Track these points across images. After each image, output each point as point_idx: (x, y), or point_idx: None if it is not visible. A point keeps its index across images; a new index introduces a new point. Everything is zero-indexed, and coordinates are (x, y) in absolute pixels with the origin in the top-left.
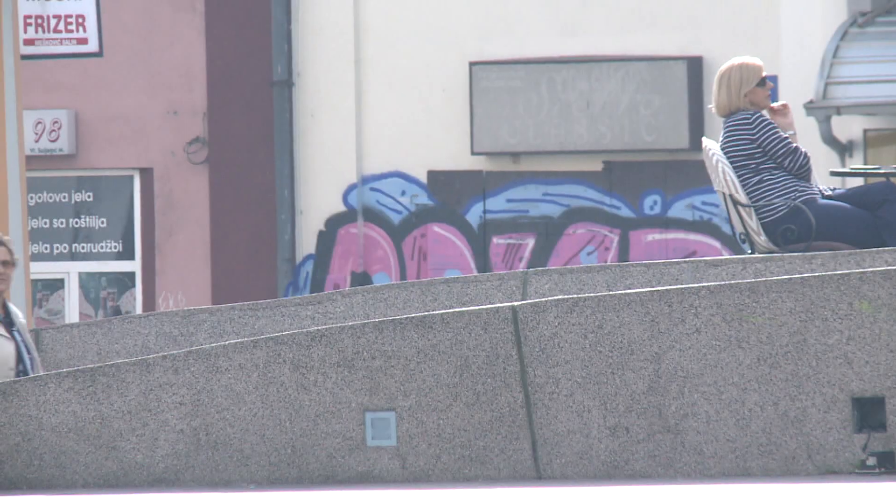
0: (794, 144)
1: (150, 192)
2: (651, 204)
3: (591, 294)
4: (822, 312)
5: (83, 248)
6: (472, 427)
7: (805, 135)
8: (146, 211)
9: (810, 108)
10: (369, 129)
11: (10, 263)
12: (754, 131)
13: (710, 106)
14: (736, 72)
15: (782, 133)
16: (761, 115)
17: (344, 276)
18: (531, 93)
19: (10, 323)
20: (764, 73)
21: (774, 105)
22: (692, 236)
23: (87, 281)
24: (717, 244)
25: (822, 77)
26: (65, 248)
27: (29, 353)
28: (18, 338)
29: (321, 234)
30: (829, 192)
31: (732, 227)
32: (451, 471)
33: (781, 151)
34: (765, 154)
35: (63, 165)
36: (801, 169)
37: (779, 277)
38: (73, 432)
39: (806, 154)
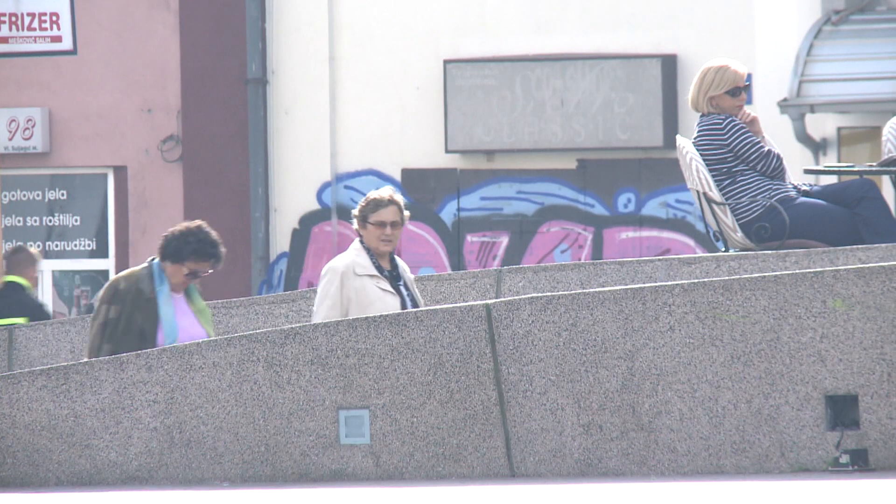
0: (766, 148)
1: (123, 190)
2: (625, 202)
3: (565, 292)
4: (796, 310)
5: (57, 245)
6: (445, 425)
7: (779, 133)
8: (120, 209)
9: (784, 106)
10: (343, 127)
11: (398, 224)
12: (726, 137)
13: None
14: (711, 74)
15: (754, 137)
16: (733, 120)
17: (318, 273)
18: (505, 91)
19: (396, 277)
20: (742, 84)
21: (745, 116)
22: (666, 234)
23: (60, 279)
24: (690, 242)
25: (797, 75)
26: (38, 245)
27: (416, 307)
28: (405, 292)
29: (295, 232)
30: (807, 189)
31: (706, 225)
32: (424, 469)
33: (754, 156)
34: (737, 158)
35: (37, 163)
36: (774, 171)
37: (752, 275)
38: (46, 430)
39: (778, 156)
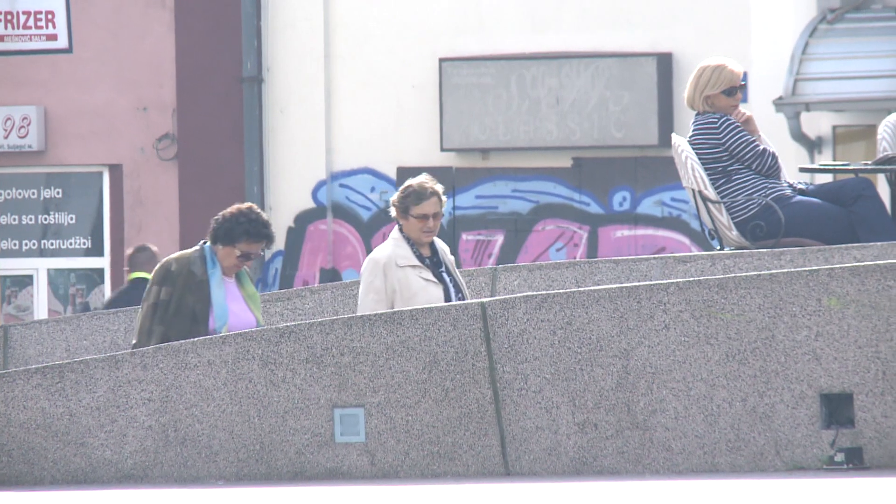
0: (762, 147)
1: (119, 188)
2: (620, 200)
3: (560, 290)
4: (791, 308)
5: (52, 244)
6: (440, 423)
7: (774, 131)
8: (115, 207)
9: (779, 104)
10: (339, 125)
11: (440, 214)
12: (721, 135)
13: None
14: (708, 73)
15: (749, 136)
16: (728, 119)
17: (313, 272)
18: (501, 89)
19: (437, 263)
20: (738, 84)
21: (739, 116)
22: (661, 232)
23: (55, 277)
24: (686, 240)
25: (792, 73)
26: (34, 244)
27: (459, 293)
28: (447, 279)
29: (290, 231)
30: (802, 187)
31: (702, 224)
32: (419, 467)
33: (749, 155)
34: (732, 157)
35: (32, 162)
36: (769, 170)
37: (747, 274)
38: (41, 429)
39: (774, 155)
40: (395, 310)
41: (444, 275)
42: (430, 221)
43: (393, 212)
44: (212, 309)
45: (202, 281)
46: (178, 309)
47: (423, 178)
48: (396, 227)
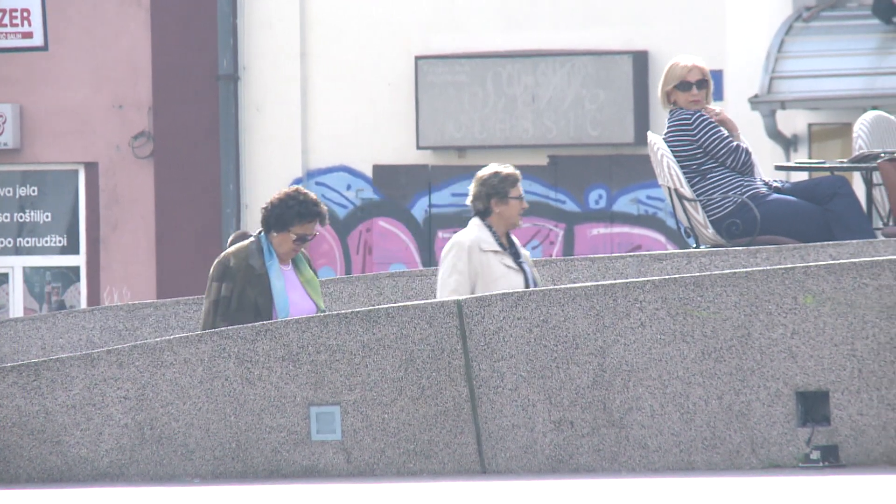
0: (735, 143)
1: (94, 186)
2: (596, 198)
3: (536, 288)
4: (767, 306)
5: (27, 242)
6: (416, 421)
7: (750, 129)
8: (91, 205)
9: (755, 102)
10: (315, 123)
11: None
12: (694, 132)
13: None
14: (667, 69)
15: (723, 131)
16: (701, 115)
17: None
18: (477, 87)
19: (516, 254)
20: (692, 79)
21: (712, 114)
22: (637, 230)
23: (31, 275)
24: (661, 238)
25: (767, 71)
26: (9, 242)
27: (535, 286)
28: (527, 269)
29: None
30: (778, 185)
31: (678, 222)
32: (395, 465)
33: (723, 151)
34: (706, 154)
35: (8, 160)
36: (743, 166)
37: (723, 272)
38: (16, 427)
39: (747, 150)
40: (370, 308)
41: (523, 265)
42: (524, 202)
43: (478, 204)
44: (273, 300)
45: (261, 274)
46: (240, 304)
47: (496, 165)
48: (476, 217)
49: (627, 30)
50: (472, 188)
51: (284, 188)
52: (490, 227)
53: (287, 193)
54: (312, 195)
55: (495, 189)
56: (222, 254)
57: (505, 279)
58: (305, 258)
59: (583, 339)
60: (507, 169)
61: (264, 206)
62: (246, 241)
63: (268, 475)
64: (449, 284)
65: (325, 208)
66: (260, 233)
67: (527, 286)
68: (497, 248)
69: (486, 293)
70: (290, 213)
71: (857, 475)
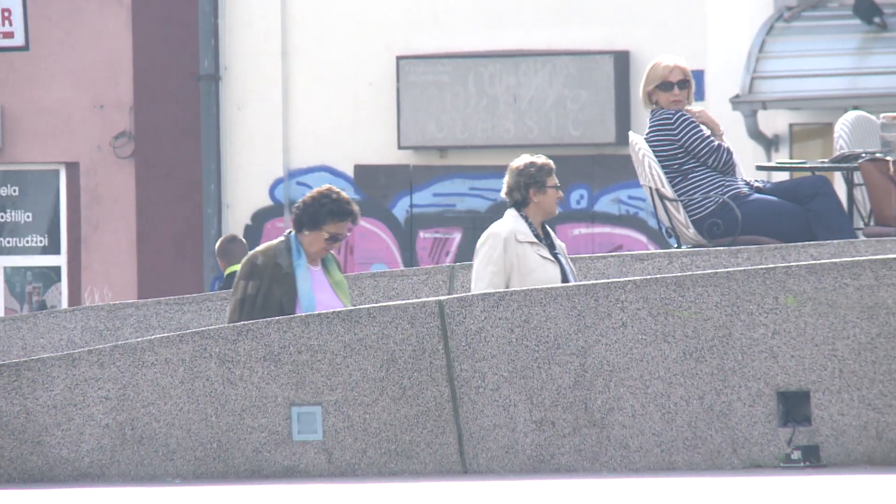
0: (717, 142)
1: (76, 186)
2: (577, 198)
3: (518, 288)
4: (748, 306)
5: (8, 242)
6: (398, 421)
7: (731, 129)
8: (72, 205)
9: (736, 102)
10: (296, 122)
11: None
12: (676, 131)
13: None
14: (649, 69)
15: (705, 131)
16: (683, 115)
17: None
18: (458, 87)
19: (552, 246)
20: (673, 79)
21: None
22: (618, 230)
23: (12, 275)
24: (643, 238)
25: (749, 71)
26: None
27: (573, 278)
28: (562, 261)
29: (248, 229)
30: (759, 185)
31: (659, 222)
32: (377, 465)
33: (705, 151)
34: (687, 154)
35: None
36: (724, 166)
37: (704, 272)
38: None
39: (728, 150)
40: (351, 308)
41: (560, 256)
42: (560, 191)
43: (514, 194)
44: (298, 300)
45: (288, 273)
46: (265, 302)
47: (526, 155)
48: (512, 207)
49: (609, 30)
50: (506, 180)
51: (317, 188)
52: (526, 218)
53: (320, 192)
54: (345, 194)
55: (533, 178)
56: (251, 252)
57: (542, 270)
58: (334, 260)
59: (564, 339)
60: (540, 159)
61: (296, 205)
62: (275, 241)
63: (249, 475)
64: (485, 277)
65: (357, 208)
66: (289, 232)
67: (563, 278)
68: (533, 238)
69: (522, 287)
70: (324, 211)
71: (838, 475)
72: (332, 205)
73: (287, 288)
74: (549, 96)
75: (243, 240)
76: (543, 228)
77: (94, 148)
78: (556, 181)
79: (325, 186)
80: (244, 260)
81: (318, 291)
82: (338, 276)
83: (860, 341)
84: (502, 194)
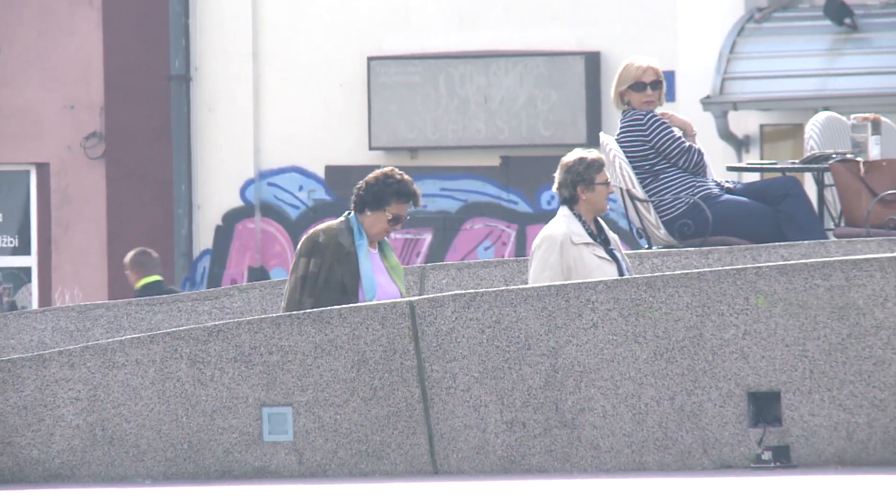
0: (688, 143)
1: (46, 187)
2: (548, 199)
3: (489, 289)
4: (719, 307)
5: None
6: (368, 422)
7: (702, 130)
8: (42, 206)
9: (707, 103)
10: (267, 123)
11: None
12: (647, 132)
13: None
14: (621, 70)
15: (676, 132)
16: (654, 116)
17: (241, 271)
18: (429, 88)
19: (606, 242)
20: (646, 79)
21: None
22: None
23: None
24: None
25: (719, 72)
26: None
27: (628, 272)
28: (618, 256)
29: (218, 229)
30: (730, 186)
31: (630, 222)
32: (347, 466)
33: (675, 152)
34: (658, 154)
35: None
36: (695, 167)
37: (675, 272)
38: None
39: (699, 151)
40: (322, 308)
41: (615, 252)
42: (610, 186)
43: (563, 191)
44: (361, 281)
45: (350, 252)
46: (327, 281)
47: (580, 150)
48: (564, 206)
49: (580, 30)
50: (556, 176)
51: (380, 169)
52: (579, 217)
53: (384, 173)
54: (408, 177)
55: (581, 176)
56: (311, 230)
57: (599, 271)
58: (389, 244)
59: (535, 339)
60: (591, 154)
61: (358, 185)
62: (335, 221)
63: (219, 476)
64: (542, 281)
65: (419, 190)
66: (349, 213)
67: (621, 275)
68: (588, 239)
69: None
70: (389, 191)
71: (809, 475)
72: (397, 185)
73: (349, 268)
74: (519, 97)
75: (154, 253)
76: (597, 223)
77: (65, 148)
78: (607, 177)
79: (388, 168)
80: (305, 238)
81: (377, 274)
82: (394, 261)
83: (831, 342)
84: (553, 190)
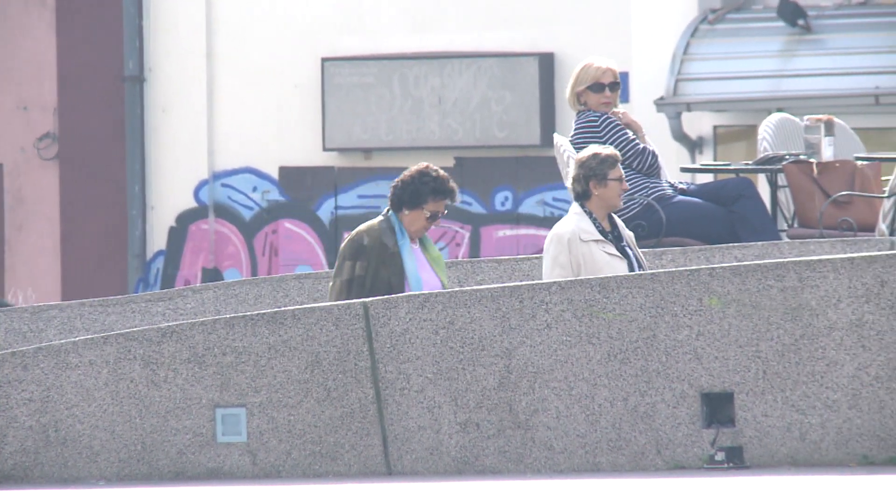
0: (642, 145)
1: None
2: (502, 200)
3: (442, 290)
4: (672, 308)
5: None
6: (322, 423)
7: (656, 131)
8: None
9: (661, 104)
10: (221, 124)
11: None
12: (601, 134)
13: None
14: (579, 71)
15: (630, 134)
16: (608, 118)
17: (195, 272)
18: (383, 89)
19: (619, 237)
20: (605, 80)
21: (617, 112)
22: (543, 232)
23: None
24: None
25: (673, 74)
26: None
27: (641, 267)
28: (630, 252)
29: (172, 230)
30: (684, 187)
31: None
32: (301, 467)
33: (629, 153)
34: None
35: None
36: (649, 168)
37: (629, 273)
38: None
39: (653, 153)
40: (276, 310)
41: (627, 249)
42: (624, 182)
43: (576, 186)
44: (406, 280)
45: (394, 253)
46: (374, 283)
47: (593, 147)
48: (576, 203)
49: (533, 32)
50: (571, 171)
51: (414, 166)
52: (590, 214)
53: (419, 170)
54: (443, 172)
55: (594, 171)
56: (353, 232)
57: (609, 268)
58: (428, 236)
59: (489, 340)
60: (606, 150)
61: (394, 184)
62: (376, 220)
63: (173, 477)
64: (554, 279)
65: (455, 186)
66: (388, 211)
67: (631, 271)
68: (597, 236)
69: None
70: (426, 188)
71: (762, 476)
72: (433, 182)
73: (395, 268)
74: (473, 98)
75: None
76: (611, 220)
77: (18, 149)
78: (621, 173)
79: (423, 164)
80: (348, 240)
81: (421, 271)
82: (435, 253)
83: (784, 342)
84: (566, 185)
